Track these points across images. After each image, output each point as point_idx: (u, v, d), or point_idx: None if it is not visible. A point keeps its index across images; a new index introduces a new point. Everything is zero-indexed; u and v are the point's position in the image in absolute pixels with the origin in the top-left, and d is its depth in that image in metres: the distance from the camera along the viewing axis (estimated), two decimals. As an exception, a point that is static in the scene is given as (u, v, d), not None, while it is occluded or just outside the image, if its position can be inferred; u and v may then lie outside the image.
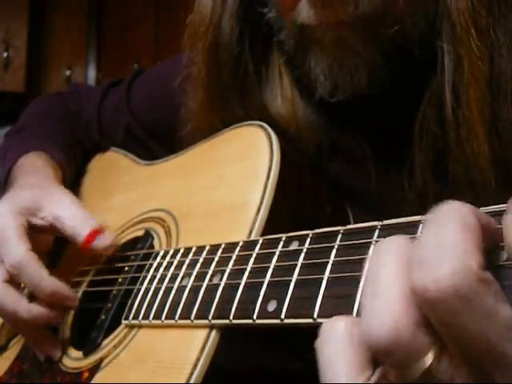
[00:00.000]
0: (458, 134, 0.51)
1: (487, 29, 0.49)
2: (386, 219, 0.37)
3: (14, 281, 0.62)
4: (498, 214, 0.30)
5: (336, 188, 0.62)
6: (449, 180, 0.53)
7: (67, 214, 0.65)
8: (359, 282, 0.35)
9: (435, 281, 0.25)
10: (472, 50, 0.48)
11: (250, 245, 0.48)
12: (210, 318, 0.46)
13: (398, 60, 0.53)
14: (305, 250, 0.42)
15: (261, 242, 0.47)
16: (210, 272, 0.49)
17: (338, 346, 0.29)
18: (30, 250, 0.61)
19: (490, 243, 0.28)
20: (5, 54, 2.84)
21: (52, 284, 0.61)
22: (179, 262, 0.54)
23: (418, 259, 0.27)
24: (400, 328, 0.27)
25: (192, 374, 0.45)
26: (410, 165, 0.56)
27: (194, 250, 0.53)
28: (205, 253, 0.51)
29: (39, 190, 0.68)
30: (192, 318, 0.47)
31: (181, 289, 0.51)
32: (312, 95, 0.58)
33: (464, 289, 0.25)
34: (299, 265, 0.41)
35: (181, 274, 0.52)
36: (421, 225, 0.34)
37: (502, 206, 0.31)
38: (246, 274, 0.45)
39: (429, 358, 0.27)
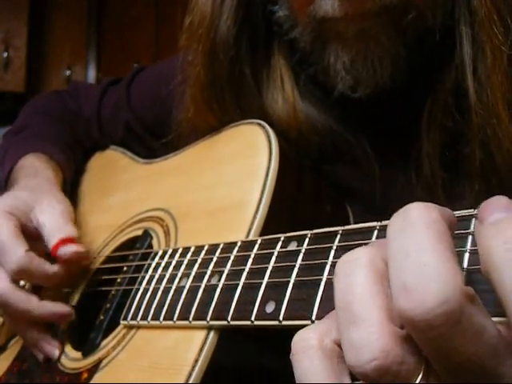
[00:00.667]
0: (481, 118, 0.50)
1: (507, 13, 0.49)
2: (388, 219, 0.37)
3: (16, 281, 0.63)
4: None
5: (337, 188, 0.61)
6: (459, 169, 0.53)
7: (48, 221, 0.65)
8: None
9: (427, 312, 0.24)
10: (495, 36, 0.48)
11: (248, 245, 0.47)
12: (208, 319, 0.45)
13: (418, 51, 0.53)
14: (303, 251, 0.41)
15: (259, 242, 0.47)
16: (209, 272, 0.49)
17: (313, 361, 0.28)
18: (28, 251, 0.61)
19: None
20: (5, 54, 2.83)
21: (58, 274, 0.63)
22: (178, 262, 0.54)
23: (401, 284, 0.25)
24: (387, 354, 0.25)
25: (190, 375, 0.45)
26: (417, 156, 0.56)
27: (192, 249, 0.53)
28: (203, 253, 0.51)
29: (34, 194, 0.68)
30: (190, 319, 0.47)
31: (179, 289, 0.50)
32: (328, 93, 0.57)
33: (455, 314, 0.24)
34: (297, 266, 0.41)
35: (179, 275, 0.52)
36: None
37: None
38: (244, 274, 0.45)
39: (418, 379, 0.25)
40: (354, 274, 0.28)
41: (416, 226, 0.26)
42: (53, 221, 0.65)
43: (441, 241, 0.25)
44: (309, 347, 0.29)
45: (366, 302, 0.26)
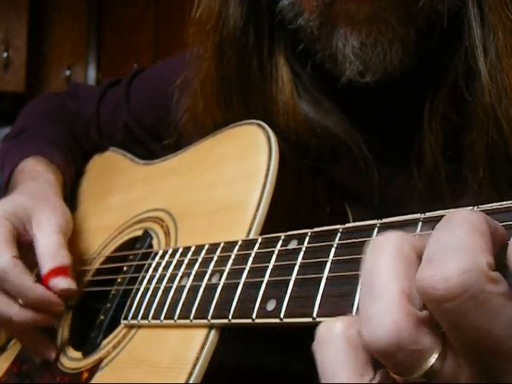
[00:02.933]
0: (495, 98, 0.50)
1: None
2: (387, 217, 0.37)
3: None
4: (502, 212, 0.29)
5: (337, 189, 0.61)
6: (462, 158, 0.53)
7: (44, 240, 0.64)
8: (359, 281, 0.35)
9: (444, 280, 0.25)
10: (507, 18, 0.49)
11: (248, 244, 0.47)
12: (209, 317, 0.45)
13: (427, 35, 0.53)
14: (304, 249, 0.41)
15: (260, 240, 0.47)
16: (209, 271, 0.49)
17: (336, 348, 0.29)
18: (14, 257, 0.61)
19: (498, 247, 0.28)
20: (5, 54, 2.84)
21: (34, 292, 0.60)
22: (178, 261, 0.54)
23: (427, 258, 0.26)
24: (401, 332, 0.26)
25: (191, 373, 0.45)
26: (418, 150, 0.56)
27: (192, 249, 0.53)
28: (204, 252, 0.51)
29: (34, 201, 0.67)
30: (191, 317, 0.47)
31: (180, 288, 0.50)
32: (328, 92, 0.56)
33: (473, 288, 0.25)
34: (298, 264, 0.41)
35: (180, 274, 0.52)
36: (420, 223, 0.34)
37: (505, 203, 0.30)
38: (245, 273, 0.45)
39: (432, 359, 0.26)
40: (381, 252, 0.28)
41: (455, 221, 0.27)
42: (47, 242, 0.63)
43: (475, 232, 0.26)
44: (333, 334, 0.29)
45: (387, 280, 0.27)
